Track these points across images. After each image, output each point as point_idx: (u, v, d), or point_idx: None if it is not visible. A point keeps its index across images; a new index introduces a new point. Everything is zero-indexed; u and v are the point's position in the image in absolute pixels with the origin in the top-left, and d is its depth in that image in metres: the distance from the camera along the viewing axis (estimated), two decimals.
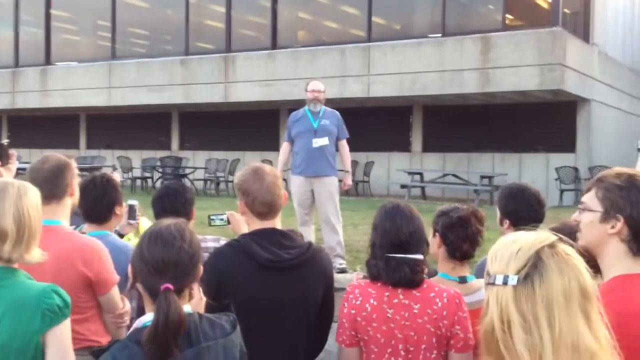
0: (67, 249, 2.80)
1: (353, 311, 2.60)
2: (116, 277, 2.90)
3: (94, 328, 2.89)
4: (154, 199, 3.67)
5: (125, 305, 2.98)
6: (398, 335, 2.55)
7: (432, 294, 2.59)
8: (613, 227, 2.03)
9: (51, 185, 2.88)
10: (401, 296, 2.58)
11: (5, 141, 3.72)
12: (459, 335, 2.57)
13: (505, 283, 1.52)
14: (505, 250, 1.58)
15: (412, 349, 2.55)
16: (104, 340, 2.87)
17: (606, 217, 2.05)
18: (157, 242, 1.98)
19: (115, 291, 2.92)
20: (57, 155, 3.05)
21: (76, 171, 3.06)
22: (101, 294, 2.89)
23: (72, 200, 2.97)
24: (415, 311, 2.56)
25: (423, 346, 2.55)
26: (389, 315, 2.56)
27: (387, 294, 2.59)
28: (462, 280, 2.89)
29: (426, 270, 2.69)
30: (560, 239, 1.59)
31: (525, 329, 1.48)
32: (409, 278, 2.57)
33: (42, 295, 2.16)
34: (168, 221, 2.07)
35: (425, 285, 2.61)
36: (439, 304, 2.57)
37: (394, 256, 2.59)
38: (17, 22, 21.19)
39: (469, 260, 2.95)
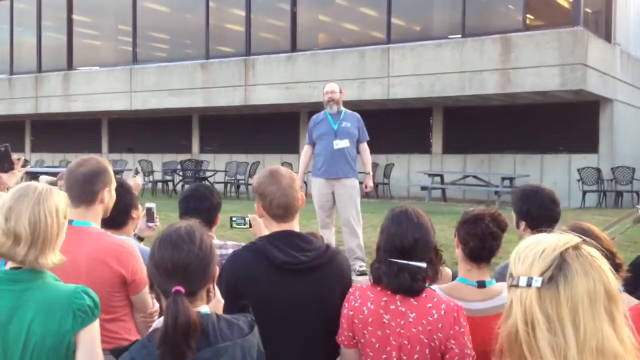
0: (100, 249, 2.82)
1: (351, 312, 2.60)
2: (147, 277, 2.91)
3: (128, 327, 2.91)
4: (180, 199, 3.69)
5: (155, 305, 2.98)
6: (392, 342, 2.53)
7: (429, 305, 2.55)
8: None
9: (81, 191, 2.89)
10: (399, 303, 2.56)
11: (4, 145, 3.72)
12: (453, 350, 2.51)
13: (529, 285, 1.51)
14: (528, 251, 1.56)
15: (405, 357, 2.52)
16: (135, 339, 2.88)
17: None
18: (166, 245, 2.00)
19: (147, 290, 2.90)
20: (96, 159, 3.02)
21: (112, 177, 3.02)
22: (134, 293, 2.90)
23: (103, 206, 2.96)
24: (411, 320, 2.53)
25: (416, 356, 2.51)
26: (384, 320, 2.55)
27: (384, 299, 2.57)
28: (481, 284, 2.82)
29: (445, 276, 2.65)
30: (584, 241, 1.57)
31: (550, 330, 1.47)
32: (407, 285, 2.55)
33: (73, 295, 2.19)
34: (180, 223, 2.09)
35: (424, 295, 2.58)
36: (435, 316, 2.53)
37: (396, 261, 2.57)
38: (40, 28, 21.43)
39: (489, 264, 2.88)
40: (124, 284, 2.86)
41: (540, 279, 1.50)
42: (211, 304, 2.07)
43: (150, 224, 3.77)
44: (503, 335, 1.56)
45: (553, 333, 1.47)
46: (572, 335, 1.45)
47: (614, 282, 1.52)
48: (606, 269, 1.52)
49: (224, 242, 3.73)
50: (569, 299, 1.47)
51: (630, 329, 1.52)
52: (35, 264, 2.21)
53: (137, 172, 4.91)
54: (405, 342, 2.52)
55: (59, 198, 2.31)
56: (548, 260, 1.51)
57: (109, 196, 2.99)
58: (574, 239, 1.56)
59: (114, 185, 3.03)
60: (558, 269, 1.50)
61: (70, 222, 2.82)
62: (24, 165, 3.85)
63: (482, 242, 2.79)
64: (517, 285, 1.54)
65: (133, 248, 2.94)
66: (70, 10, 20.72)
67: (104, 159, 3.10)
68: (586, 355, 1.45)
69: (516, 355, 1.53)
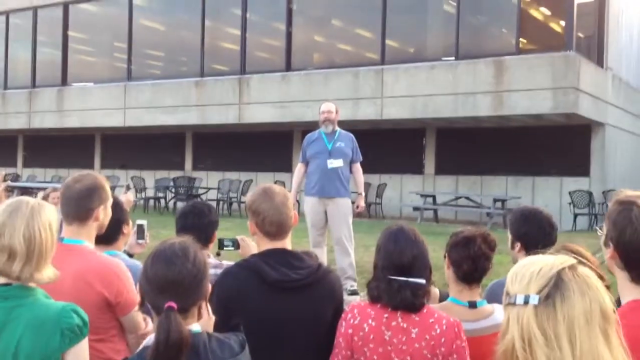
0: (85, 269, 2.74)
1: (350, 330, 2.58)
2: (137, 298, 2.84)
3: (117, 347, 2.81)
4: (178, 215, 3.69)
5: (147, 325, 2.88)
6: (394, 359, 2.52)
7: (431, 320, 2.56)
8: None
9: (76, 207, 2.83)
10: (400, 319, 2.56)
11: None
12: None
13: (526, 302, 1.52)
14: (525, 270, 1.57)
15: None
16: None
17: (605, 241, 2.09)
18: (159, 261, 1.99)
19: (136, 312, 2.83)
20: (92, 176, 2.95)
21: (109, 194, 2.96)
22: (122, 315, 2.81)
23: (98, 224, 2.90)
24: (413, 336, 2.53)
25: None
26: (386, 337, 2.54)
27: (386, 315, 2.57)
28: (472, 305, 2.82)
29: (433, 296, 2.66)
30: (580, 262, 1.58)
31: (547, 345, 1.48)
32: (409, 301, 2.55)
33: (62, 314, 2.17)
34: (174, 239, 2.08)
35: (425, 311, 2.58)
36: (438, 331, 2.53)
37: (397, 279, 2.57)
38: (35, 43, 21.48)
39: (479, 284, 2.89)
40: (108, 305, 2.76)
41: (537, 296, 1.51)
42: (202, 322, 2.06)
43: (141, 241, 3.74)
44: (499, 353, 1.56)
45: (550, 348, 1.47)
46: (569, 353, 1.46)
47: (609, 303, 1.53)
48: (602, 289, 1.53)
49: (219, 261, 3.72)
50: (565, 317, 1.48)
51: (624, 350, 1.53)
52: (31, 280, 2.18)
53: (128, 188, 4.90)
54: (408, 358, 2.52)
55: (51, 212, 2.29)
56: (545, 279, 1.52)
57: (104, 214, 2.93)
58: (570, 259, 1.57)
59: (110, 202, 2.98)
60: (555, 288, 1.50)
61: (61, 239, 2.74)
62: (4, 180, 3.81)
63: (475, 264, 2.80)
64: (514, 304, 1.54)
65: (120, 268, 2.83)
66: (66, 27, 20.78)
67: (102, 176, 3.04)
68: None
69: None
